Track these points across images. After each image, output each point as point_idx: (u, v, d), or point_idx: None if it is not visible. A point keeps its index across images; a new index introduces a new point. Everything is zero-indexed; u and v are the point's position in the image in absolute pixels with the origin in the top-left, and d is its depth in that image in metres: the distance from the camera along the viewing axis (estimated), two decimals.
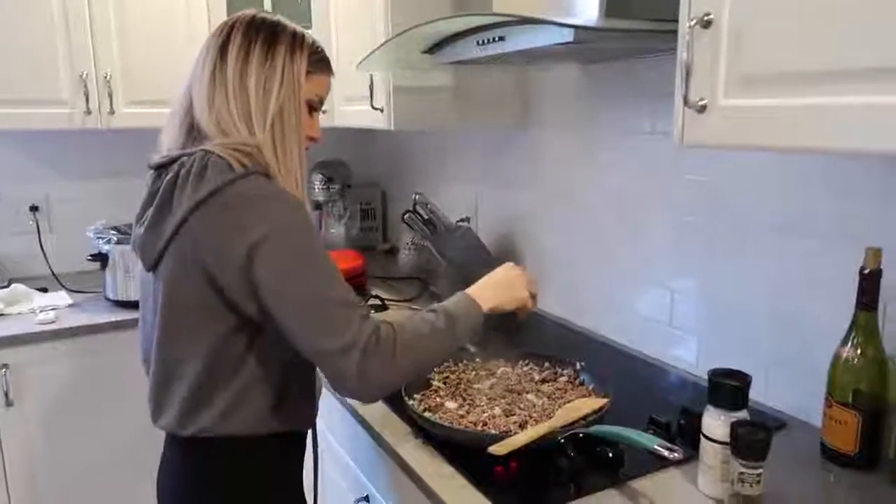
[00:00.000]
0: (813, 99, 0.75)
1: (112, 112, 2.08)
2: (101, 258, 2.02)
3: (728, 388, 0.97)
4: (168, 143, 1.05)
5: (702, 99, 0.86)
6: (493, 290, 1.11)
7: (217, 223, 0.92)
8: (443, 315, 1.02)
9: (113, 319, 1.95)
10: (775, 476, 0.98)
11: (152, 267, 1.01)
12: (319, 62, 1.07)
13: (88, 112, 2.05)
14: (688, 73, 0.86)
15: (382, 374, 0.93)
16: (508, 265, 1.19)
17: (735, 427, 0.92)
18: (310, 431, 1.18)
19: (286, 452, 1.10)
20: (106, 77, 2.05)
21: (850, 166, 1.13)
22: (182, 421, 1.01)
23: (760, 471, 0.91)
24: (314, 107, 1.09)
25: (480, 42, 1.28)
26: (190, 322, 0.98)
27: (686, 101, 0.87)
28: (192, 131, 1.03)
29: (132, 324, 1.96)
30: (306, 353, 0.94)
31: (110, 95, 2.06)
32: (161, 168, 1.03)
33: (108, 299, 2.07)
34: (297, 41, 1.04)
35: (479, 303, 1.07)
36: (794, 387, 1.24)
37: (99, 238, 2.01)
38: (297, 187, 1.01)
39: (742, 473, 0.91)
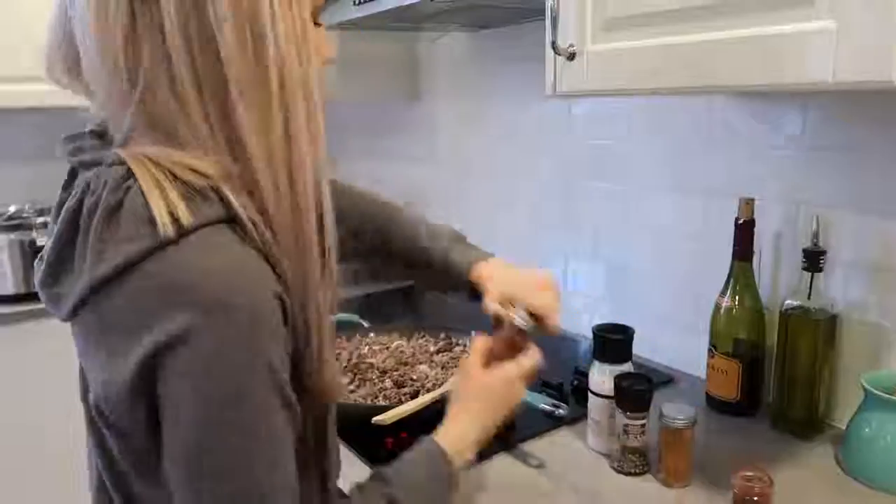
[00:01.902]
0: (673, 38, 0.74)
1: None
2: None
3: (611, 341, 0.96)
4: (94, 110, 0.62)
5: (571, 45, 0.84)
6: (481, 425, 0.78)
7: (115, 322, 0.56)
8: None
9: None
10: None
11: (66, 320, 0.62)
12: None
13: None
14: (555, 19, 0.84)
15: None
16: (498, 375, 0.81)
17: (618, 380, 0.92)
18: None
19: None
20: None
21: (724, 118, 1.15)
22: None
23: (644, 422, 0.91)
24: (317, 19, 0.64)
25: (357, 2, 1.23)
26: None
27: (555, 49, 0.85)
28: (79, 72, 0.60)
29: (1, 320, 1.80)
30: None
31: None
32: (75, 168, 0.63)
33: None
34: None
35: (456, 462, 0.75)
36: (683, 343, 1.26)
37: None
38: (293, 237, 0.59)
39: (627, 426, 0.91)
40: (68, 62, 0.61)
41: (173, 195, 0.54)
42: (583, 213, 1.45)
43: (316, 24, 0.64)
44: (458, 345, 1.33)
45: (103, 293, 0.55)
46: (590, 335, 1.45)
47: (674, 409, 0.89)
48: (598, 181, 1.40)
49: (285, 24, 0.56)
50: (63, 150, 0.64)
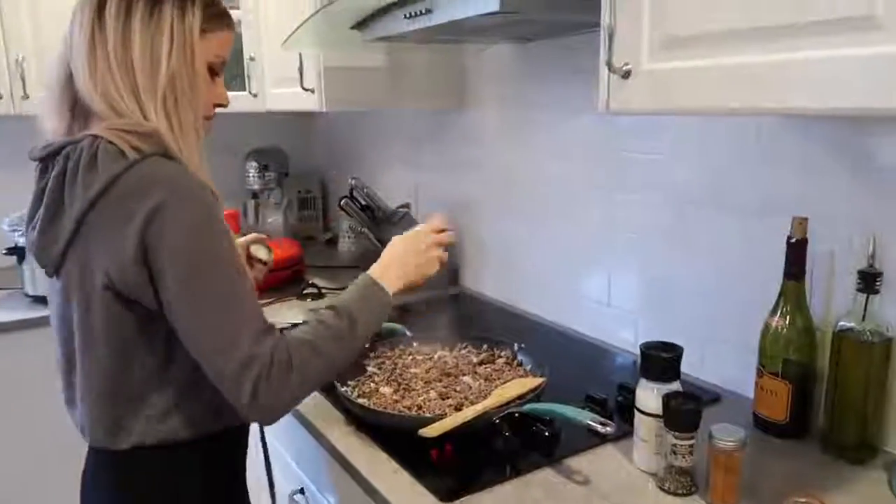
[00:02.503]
0: (733, 58, 0.73)
1: (26, 97, 1.96)
2: (18, 252, 1.90)
3: (659, 359, 0.96)
4: (52, 128, 0.92)
5: (626, 64, 0.84)
6: (398, 267, 1.03)
7: (111, 218, 0.82)
8: (345, 316, 0.93)
9: (32, 316, 1.84)
10: None
11: (53, 273, 0.90)
12: (217, 17, 0.94)
13: (0, 97, 1.92)
14: (611, 38, 0.84)
15: (278, 401, 0.85)
16: (410, 234, 1.10)
17: (666, 399, 0.91)
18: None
19: (229, 452, 1.03)
20: (18, 60, 1.93)
21: (774, 136, 1.14)
22: (112, 434, 0.91)
23: (693, 442, 0.90)
24: (216, 70, 0.96)
25: (408, 15, 1.24)
26: (103, 332, 0.88)
27: (610, 67, 0.85)
28: (78, 110, 0.90)
29: None
30: (200, 363, 0.85)
31: (23, 79, 1.94)
32: (46, 160, 0.90)
33: (27, 295, 1.95)
34: None
35: (386, 288, 1.00)
36: (729, 361, 1.25)
37: (14, 231, 1.90)
38: (200, 168, 0.88)
39: (675, 445, 0.90)
40: (66, 104, 0.90)
41: (132, 139, 0.83)
42: (627, 227, 1.44)
43: (212, 73, 0.95)
44: (500, 357, 1.33)
45: (96, 209, 0.81)
46: (632, 349, 1.46)
47: (723, 430, 0.88)
48: (642, 194, 1.39)
49: (178, 59, 0.87)
50: (31, 154, 0.91)
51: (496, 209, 1.84)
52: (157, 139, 0.85)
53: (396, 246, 1.07)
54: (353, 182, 1.96)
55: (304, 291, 1.91)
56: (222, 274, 0.84)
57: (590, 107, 1.44)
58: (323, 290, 1.93)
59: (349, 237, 2.32)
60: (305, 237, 2.61)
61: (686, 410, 0.89)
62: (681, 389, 0.96)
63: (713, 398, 1.21)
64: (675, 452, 0.91)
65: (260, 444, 1.23)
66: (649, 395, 0.96)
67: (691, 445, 0.90)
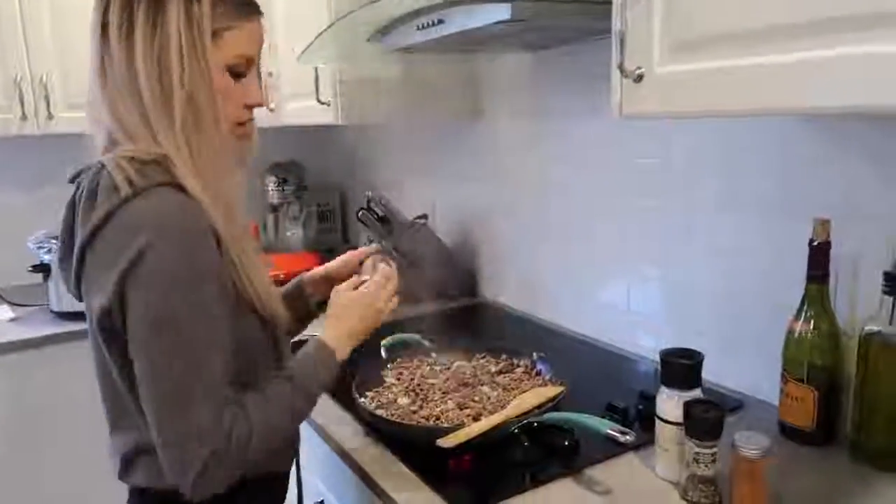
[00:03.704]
0: (746, 59, 0.72)
1: (50, 117, 2.00)
2: (44, 269, 1.94)
3: (679, 366, 0.94)
4: (97, 142, 0.87)
5: (638, 68, 0.83)
6: (347, 324, 0.97)
7: (102, 258, 0.77)
8: (300, 387, 0.87)
9: (58, 332, 1.87)
10: None
11: (79, 298, 0.86)
12: (235, 7, 0.82)
13: (24, 117, 1.97)
14: (622, 42, 0.83)
15: (226, 478, 0.79)
16: (342, 288, 1.03)
17: (688, 406, 0.89)
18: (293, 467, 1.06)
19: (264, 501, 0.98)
20: (42, 80, 1.97)
21: (793, 137, 1.12)
22: (124, 470, 0.89)
23: (715, 450, 0.88)
24: (239, 71, 0.85)
25: (420, 26, 1.25)
26: (100, 367, 0.86)
27: (622, 71, 0.84)
28: (107, 132, 0.85)
29: (79, 336, 1.89)
30: (149, 423, 0.78)
31: (47, 99, 1.98)
32: (74, 181, 0.87)
33: (52, 312, 1.98)
34: None
35: (337, 351, 0.94)
36: (753, 367, 1.22)
37: (40, 248, 1.93)
38: (220, 194, 0.81)
39: (697, 454, 0.89)
40: (99, 125, 0.85)
41: (130, 170, 0.76)
42: (645, 233, 1.42)
43: (236, 74, 0.85)
44: (518, 366, 1.32)
45: (93, 244, 0.77)
46: (652, 357, 1.43)
47: (747, 438, 0.86)
48: (660, 200, 1.38)
49: (191, 75, 0.78)
50: (69, 175, 0.87)
51: (513, 218, 1.83)
52: (164, 166, 0.78)
53: (337, 303, 1.01)
54: (370, 194, 1.96)
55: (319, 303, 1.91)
56: (188, 334, 0.76)
57: (604, 113, 1.44)
58: None
59: None
60: (326, 249, 2.62)
61: (707, 418, 0.88)
62: (702, 397, 0.94)
63: (736, 405, 1.19)
64: (697, 461, 0.89)
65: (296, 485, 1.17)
66: (670, 403, 0.94)
67: (714, 454, 0.88)
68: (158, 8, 0.77)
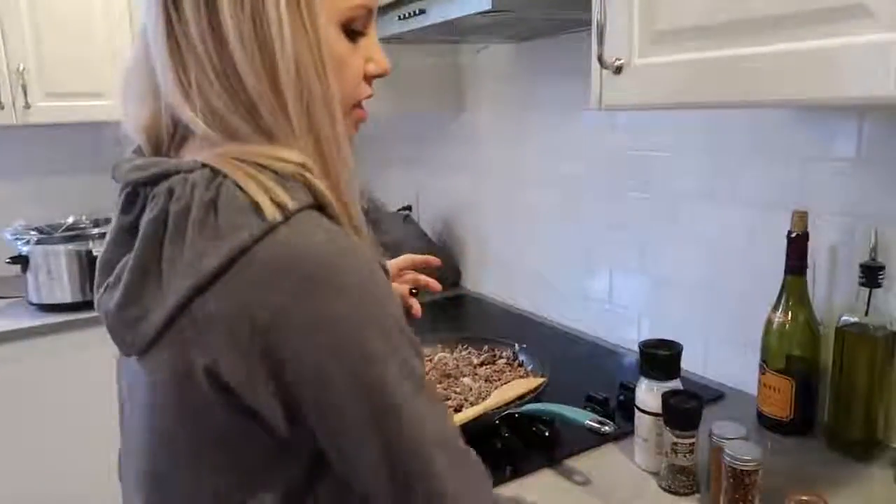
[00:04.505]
0: (724, 51, 0.72)
1: (27, 106, 1.96)
2: (22, 260, 1.91)
3: (658, 357, 0.95)
4: (136, 127, 0.63)
5: (618, 59, 0.83)
6: None
7: (228, 309, 0.52)
8: None
9: (36, 324, 1.85)
10: None
11: (137, 353, 0.58)
12: None
13: (2, 107, 1.93)
14: (601, 33, 0.83)
15: None
16: None
17: (666, 397, 0.90)
18: None
19: None
20: (19, 69, 1.94)
21: (773, 129, 1.13)
22: None
23: (693, 440, 0.89)
24: (360, 28, 0.63)
25: (402, 16, 1.24)
26: (206, 448, 0.58)
27: (602, 63, 0.84)
28: (165, 116, 0.61)
29: (58, 328, 1.87)
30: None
31: (24, 88, 1.94)
32: (138, 188, 0.59)
33: (31, 304, 1.96)
34: None
35: None
36: (732, 358, 1.23)
37: (18, 239, 1.91)
38: (357, 211, 0.61)
39: (675, 444, 0.89)
40: (142, 84, 0.62)
41: (270, 183, 0.54)
42: (628, 225, 1.43)
43: (353, 33, 0.62)
44: (501, 357, 1.32)
45: (211, 290, 0.52)
46: (634, 348, 1.44)
47: (724, 428, 0.87)
48: (642, 192, 1.38)
49: (295, 40, 0.56)
50: (118, 173, 0.62)
51: (497, 209, 1.83)
52: (302, 181, 0.56)
53: None
54: None
55: None
56: (410, 381, 0.55)
57: (584, 104, 1.44)
58: None
59: None
60: None
61: (685, 409, 0.88)
62: (681, 388, 0.94)
63: (716, 396, 1.20)
64: (675, 451, 0.89)
65: None
66: (649, 394, 0.95)
67: (692, 444, 0.89)
68: None
